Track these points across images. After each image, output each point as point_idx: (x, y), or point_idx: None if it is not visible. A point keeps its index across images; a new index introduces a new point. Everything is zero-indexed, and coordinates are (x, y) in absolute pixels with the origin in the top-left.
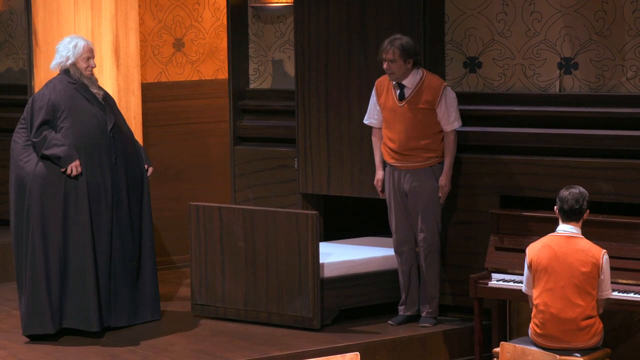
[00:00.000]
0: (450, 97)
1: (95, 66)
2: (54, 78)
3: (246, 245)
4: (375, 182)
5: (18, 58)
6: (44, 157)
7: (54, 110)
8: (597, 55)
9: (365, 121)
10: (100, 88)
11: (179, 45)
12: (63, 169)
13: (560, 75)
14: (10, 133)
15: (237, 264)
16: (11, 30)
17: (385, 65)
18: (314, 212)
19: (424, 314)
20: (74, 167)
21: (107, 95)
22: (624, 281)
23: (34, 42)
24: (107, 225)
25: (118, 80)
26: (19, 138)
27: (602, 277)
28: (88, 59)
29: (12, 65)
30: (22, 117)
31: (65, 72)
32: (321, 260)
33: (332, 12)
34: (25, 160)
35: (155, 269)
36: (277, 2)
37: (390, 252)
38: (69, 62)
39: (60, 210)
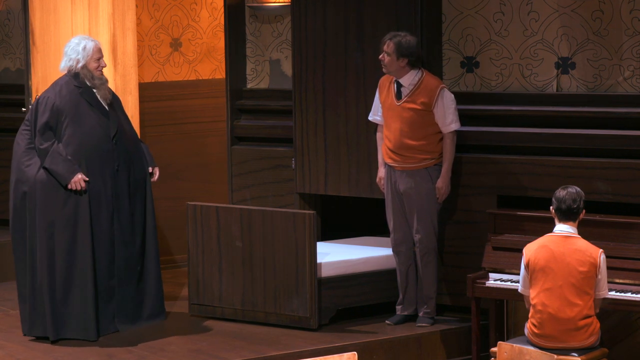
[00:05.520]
0: (447, 98)
1: (105, 65)
2: (61, 79)
3: (243, 245)
4: (377, 180)
5: (15, 58)
6: (45, 168)
7: (58, 115)
8: (595, 55)
9: (370, 118)
10: (108, 90)
11: (176, 45)
12: (68, 187)
13: (557, 75)
14: (7, 133)
15: (235, 264)
16: (8, 30)
17: (380, 56)
18: (312, 212)
19: (421, 314)
20: (77, 182)
21: (114, 98)
22: (621, 281)
23: (31, 42)
24: (109, 233)
25: (115, 80)
26: (21, 140)
27: (599, 276)
28: (98, 59)
29: (9, 65)
30: (26, 118)
31: (75, 75)
32: (318, 260)
33: (330, 12)
34: (26, 164)
35: (159, 270)
36: (274, 2)
37: (387, 251)
38: (79, 65)
39: (61, 217)
